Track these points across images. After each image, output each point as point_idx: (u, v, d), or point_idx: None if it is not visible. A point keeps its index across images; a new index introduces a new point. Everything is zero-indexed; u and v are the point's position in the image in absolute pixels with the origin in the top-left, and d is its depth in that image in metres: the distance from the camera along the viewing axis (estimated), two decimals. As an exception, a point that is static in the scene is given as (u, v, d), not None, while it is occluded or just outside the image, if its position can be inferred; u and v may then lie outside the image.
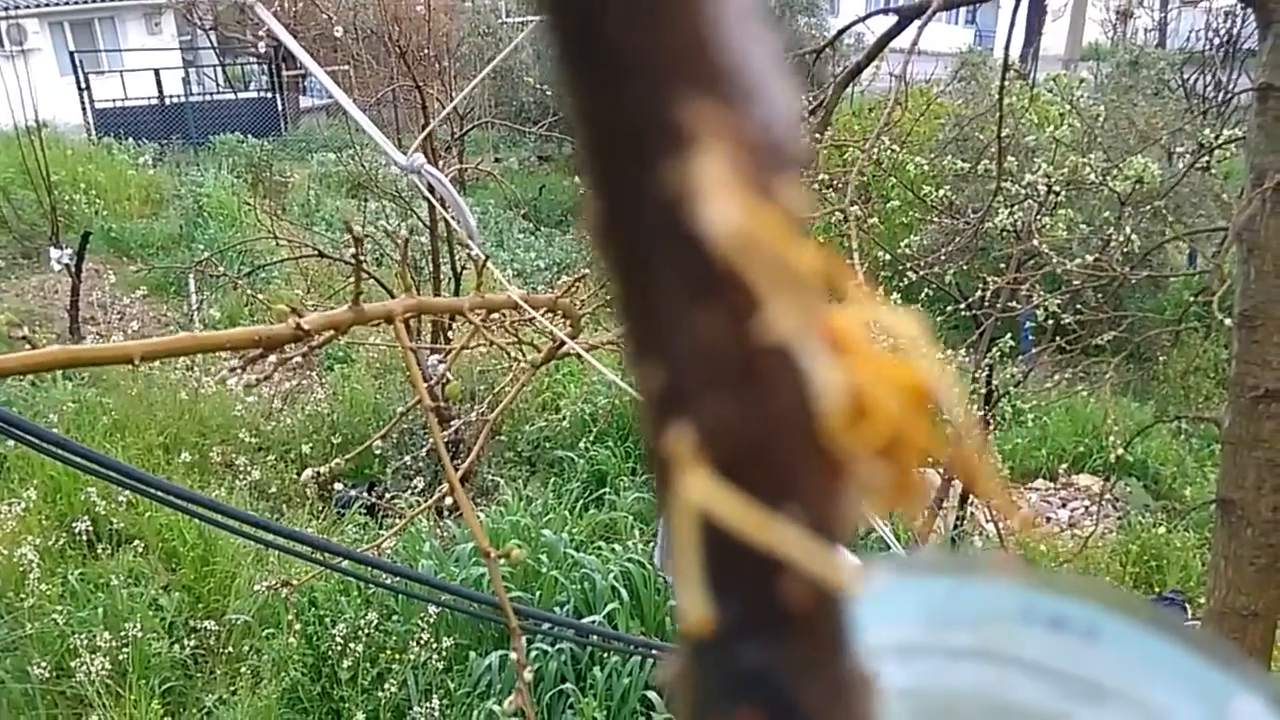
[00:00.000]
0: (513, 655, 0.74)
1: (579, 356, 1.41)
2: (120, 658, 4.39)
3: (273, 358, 0.79)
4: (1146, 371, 7.68)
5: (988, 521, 5.81)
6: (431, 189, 1.30)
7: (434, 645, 4.48)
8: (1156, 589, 5.82)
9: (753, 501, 0.17)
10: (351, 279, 0.93)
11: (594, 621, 4.58)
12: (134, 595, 4.87)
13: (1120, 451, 4.31)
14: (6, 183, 10.52)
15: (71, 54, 15.55)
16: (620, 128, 0.16)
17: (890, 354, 0.18)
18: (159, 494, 1.32)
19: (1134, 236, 4.47)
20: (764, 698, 0.18)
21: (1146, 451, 6.97)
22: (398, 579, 3.01)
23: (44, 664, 4.34)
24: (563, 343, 1.22)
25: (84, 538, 5.17)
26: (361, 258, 0.93)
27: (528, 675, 0.69)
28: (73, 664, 4.31)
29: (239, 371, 0.77)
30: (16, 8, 14.79)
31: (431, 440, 1.01)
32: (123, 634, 4.46)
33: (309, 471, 1.05)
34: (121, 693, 4.31)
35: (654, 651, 3.55)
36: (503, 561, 0.77)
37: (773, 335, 0.16)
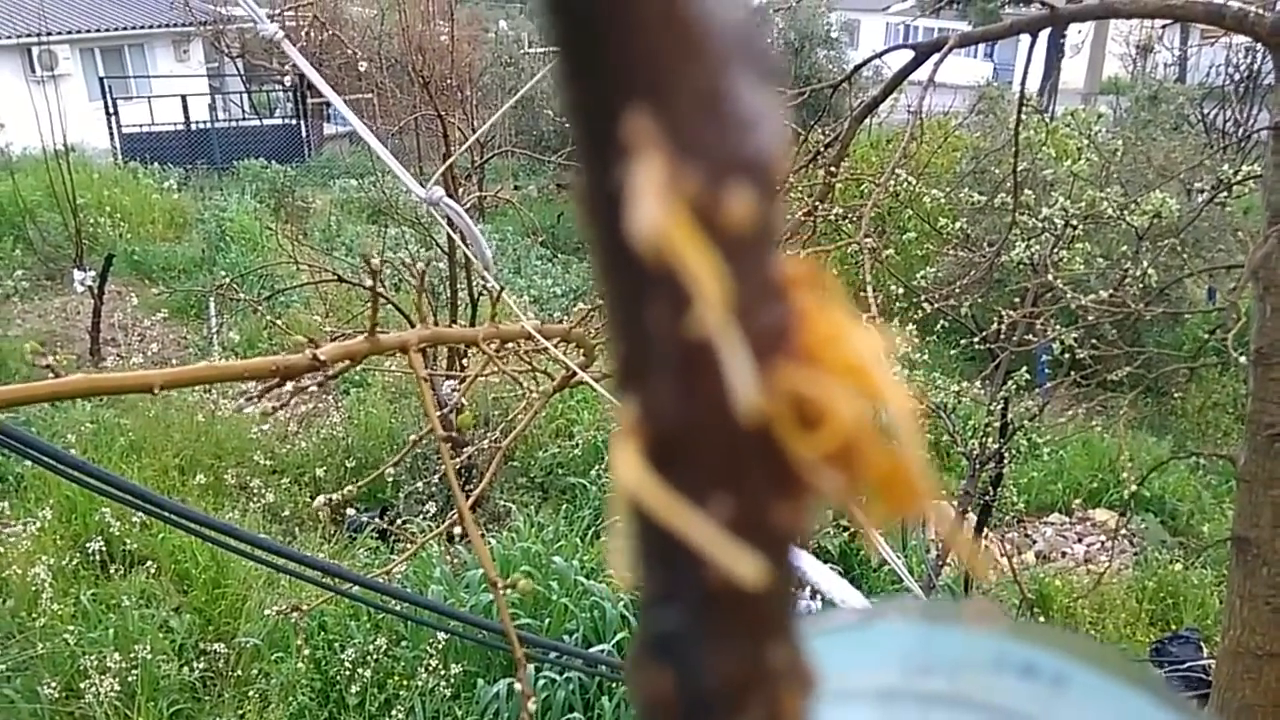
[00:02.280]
0: (517, 686, 0.74)
1: (591, 385, 1.42)
2: (129, 679, 4.39)
3: (289, 386, 0.80)
4: (1164, 406, 7.62)
5: (1002, 555, 5.76)
6: (449, 220, 1.32)
7: (442, 672, 4.47)
8: (1173, 626, 5.74)
9: (680, 484, 0.18)
10: (369, 305, 0.95)
11: (603, 650, 4.56)
12: (145, 616, 4.89)
13: (1134, 487, 4.27)
14: (34, 205, 10.67)
15: (101, 80, 15.82)
16: (588, 127, 0.18)
17: (857, 367, 0.19)
18: (172, 517, 1.33)
19: (1151, 271, 4.46)
20: (673, 659, 0.19)
21: (1164, 487, 6.90)
22: (407, 605, 3.01)
23: (54, 684, 4.35)
24: (575, 372, 1.23)
25: (97, 558, 5.19)
26: (379, 287, 0.95)
27: (532, 706, 0.69)
28: (82, 685, 4.32)
29: (255, 400, 0.78)
30: (49, 34, 15.06)
31: (444, 466, 1.02)
32: (133, 655, 4.47)
33: (321, 498, 1.06)
34: (130, 715, 4.32)
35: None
36: (509, 591, 0.77)
37: (700, 331, 0.18)
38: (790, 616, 0.20)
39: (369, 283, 0.93)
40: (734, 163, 0.17)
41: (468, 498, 1.37)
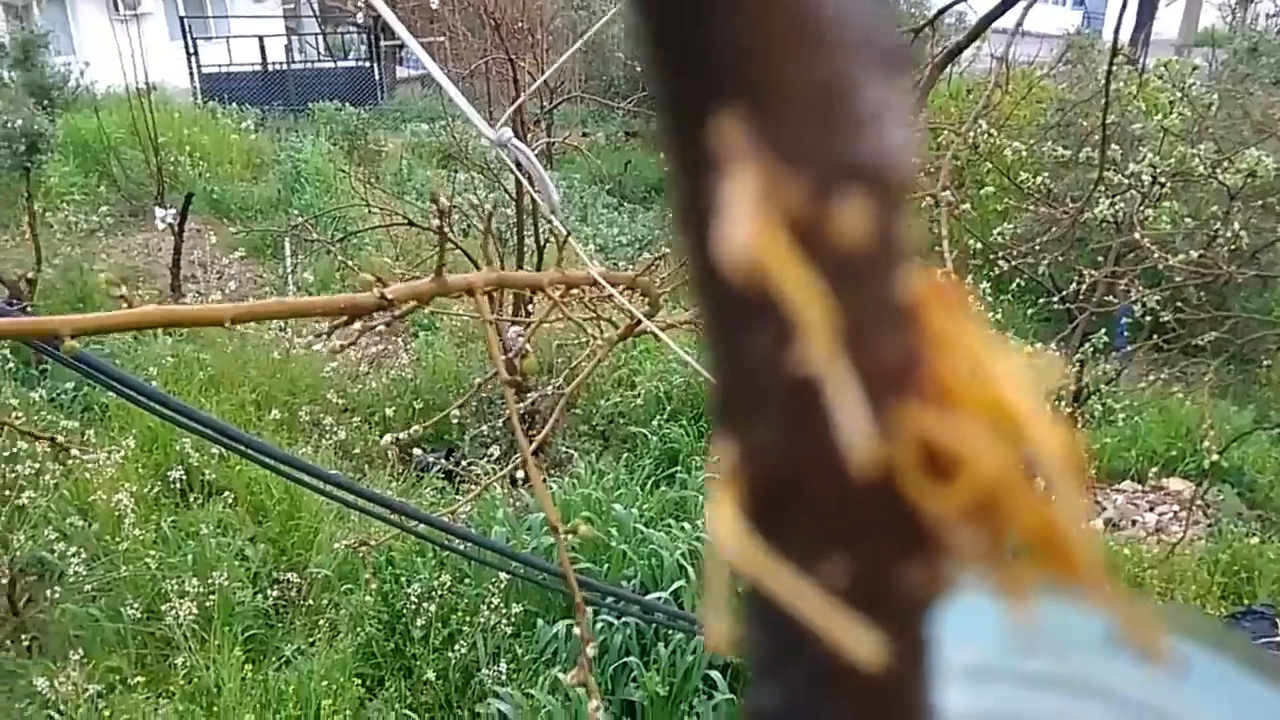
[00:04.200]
0: (576, 630, 0.75)
1: (655, 335, 1.41)
2: (206, 604, 4.58)
3: (357, 325, 0.81)
4: (1248, 374, 7.35)
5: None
6: (518, 163, 1.31)
7: (504, 610, 4.57)
8: (1245, 601, 5.59)
9: (783, 545, 0.16)
10: (437, 247, 0.95)
11: (660, 598, 4.61)
12: (222, 545, 5.07)
13: (1215, 457, 4.14)
14: (117, 143, 10.94)
15: (181, 19, 16.07)
16: (676, 129, 0.16)
17: (1001, 403, 0.16)
18: (247, 450, 1.37)
19: (1243, 233, 4.27)
20: None
21: (1243, 458, 6.68)
22: (470, 545, 3.07)
23: (136, 605, 4.56)
24: (639, 321, 1.22)
25: (177, 487, 5.39)
26: (447, 229, 0.94)
27: (591, 650, 0.70)
28: (162, 607, 4.51)
29: (325, 337, 0.79)
30: (132, -26, 15.32)
31: (508, 411, 1.03)
32: (210, 581, 4.66)
33: (389, 437, 1.07)
34: (206, 637, 4.51)
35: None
36: (570, 537, 0.78)
37: (805, 367, 0.15)
38: (922, 702, 0.17)
39: (437, 223, 0.93)
40: (846, 170, 0.15)
41: (530, 443, 1.38)
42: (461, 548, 3.01)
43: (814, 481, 0.16)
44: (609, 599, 3.06)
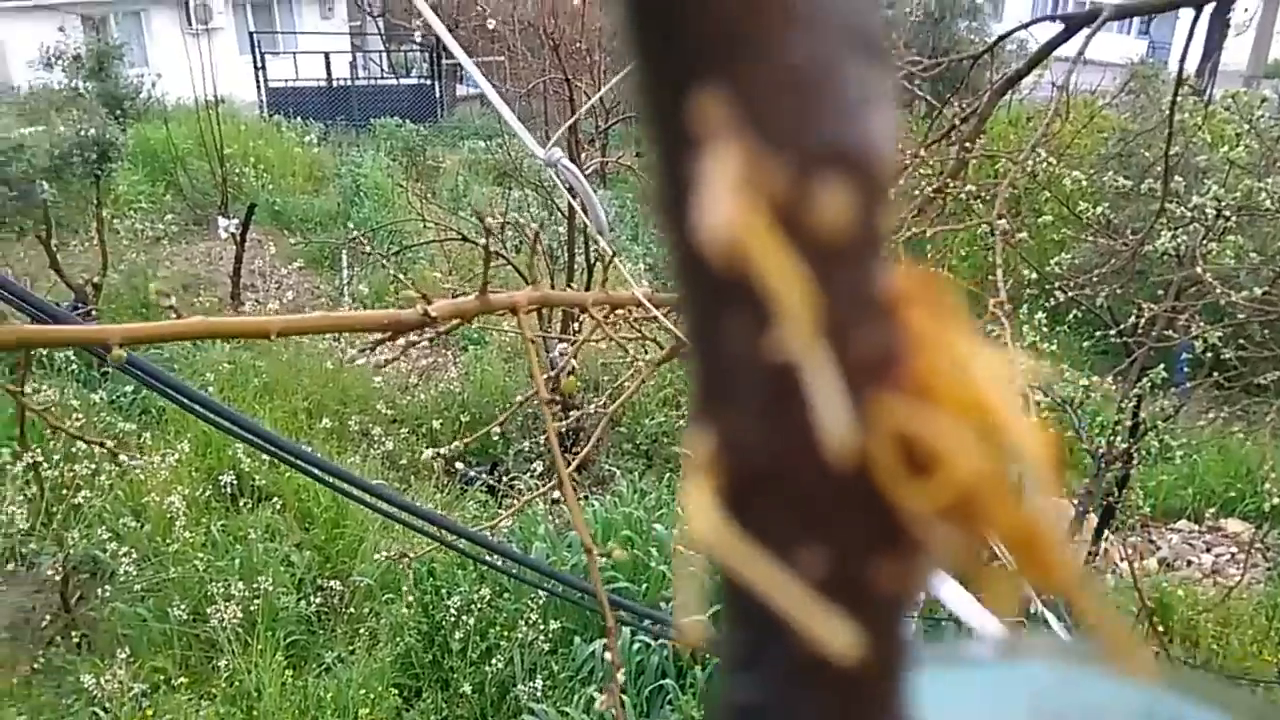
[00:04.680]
0: (607, 655, 0.74)
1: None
2: (251, 608, 4.65)
3: (402, 340, 0.82)
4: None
5: (1122, 560, 5.52)
6: (568, 184, 1.32)
7: (541, 627, 4.57)
8: (1307, 649, 5.40)
9: (760, 535, 0.16)
10: (493, 264, 0.96)
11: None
12: (269, 550, 5.15)
13: (1277, 500, 4.01)
14: (185, 153, 11.24)
15: (250, 34, 16.49)
16: (656, 108, 0.15)
17: (981, 401, 0.15)
18: (294, 459, 1.39)
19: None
20: None
21: (1308, 501, 6.47)
22: (509, 561, 3.08)
23: (183, 607, 4.64)
24: (683, 343, 1.22)
25: (228, 491, 5.49)
26: (493, 247, 0.95)
27: (621, 677, 0.69)
28: (208, 610, 4.59)
29: (369, 352, 0.80)
30: (205, -10, 15.78)
31: (547, 429, 1.03)
32: (256, 586, 4.72)
33: (430, 451, 1.08)
34: (250, 641, 4.57)
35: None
36: (604, 559, 0.77)
37: (784, 353, 0.15)
38: (898, 700, 0.17)
39: (483, 242, 0.94)
40: (829, 154, 0.14)
41: (570, 462, 1.38)
42: (501, 564, 3.02)
43: (792, 470, 0.15)
44: (645, 621, 3.04)
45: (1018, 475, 0.16)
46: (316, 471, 1.44)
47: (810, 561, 0.16)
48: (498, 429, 1.25)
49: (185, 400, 1.32)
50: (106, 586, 4.83)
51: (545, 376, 0.88)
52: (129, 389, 6.51)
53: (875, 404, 0.15)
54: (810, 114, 0.14)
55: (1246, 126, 4.46)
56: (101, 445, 1.01)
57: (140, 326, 0.63)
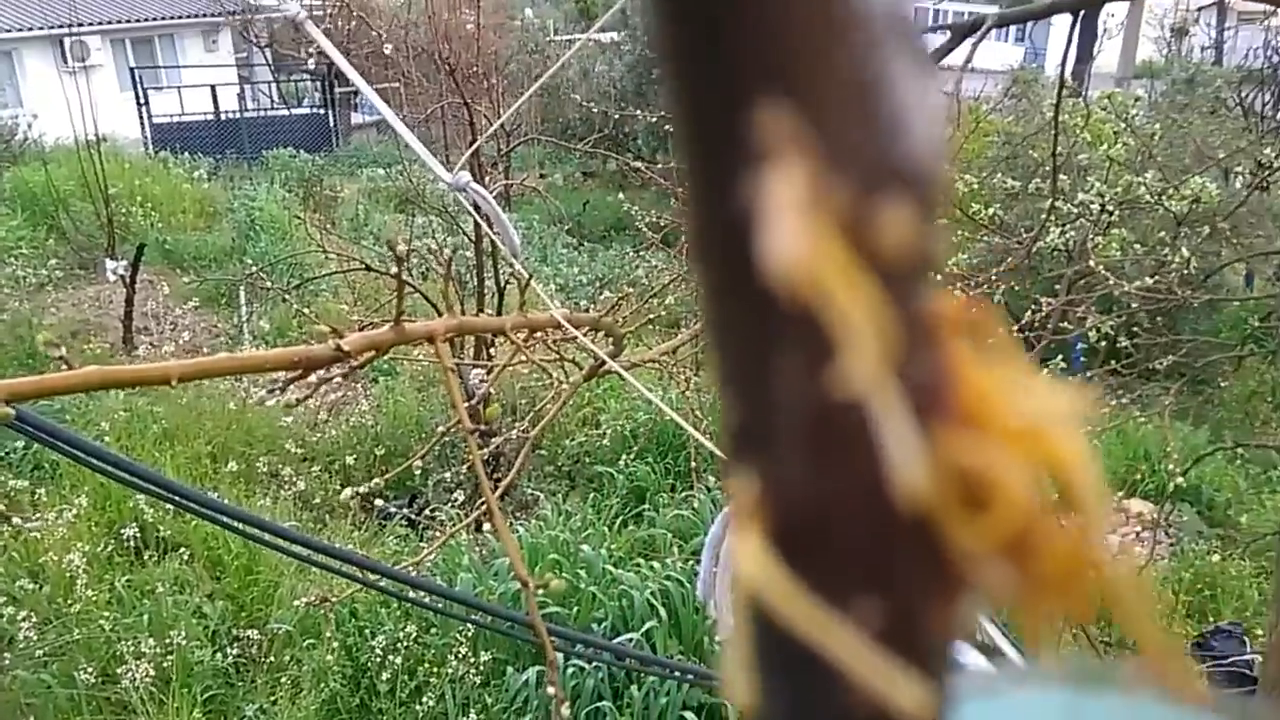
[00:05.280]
0: (550, 690, 0.72)
1: (620, 374, 1.40)
2: (164, 665, 4.44)
3: (314, 377, 0.78)
4: (1202, 395, 7.49)
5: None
6: (477, 206, 1.30)
7: (471, 660, 4.48)
8: (1211, 619, 5.65)
9: (815, 584, 0.14)
10: (396, 293, 0.93)
11: (631, 639, 4.55)
12: (179, 603, 4.93)
13: (1180, 480, 4.19)
14: (66, 195, 10.79)
15: (132, 70, 15.96)
16: (702, 128, 0.14)
17: (1036, 433, 0.15)
18: (202, 510, 1.32)
19: (1190, 257, 4.37)
20: None
21: (1200, 476, 6.78)
22: (435, 598, 3.01)
23: (90, 669, 4.41)
24: (604, 361, 1.20)
25: (132, 544, 5.25)
26: (405, 275, 0.92)
27: (566, 711, 0.67)
28: (118, 670, 4.37)
29: (279, 391, 0.76)
30: (80, 25, 15.22)
31: (471, 457, 1.00)
32: (167, 641, 4.52)
33: (348, 491, 1.04)
34: (165, 699, 4.36)
35: (690, 676, 3.51)
36: (540, 591, 0.75)
37: (848, 391, 0.14)
38: None
39: (395, 269, 0.91)
40: (892, 172, 0.13)
41: (495, 488, 1.36)
42: (427, 600, 2.95)
43: (850, 515, 0.14)
44: (578, 646, 3.00)
45: (1071, 505, 0.15)
46: (225, 519, 1.38)
47: (868, 610, 0.14)
48: (419, 463, 1.21)
49: (80, 454, 1.25)
50: (5, 655, 4.56)
51: (467, 405, 0.86)
52: (19, 444, 6.19)
53: (932, 438, 0.14)
54: (872, 128, 0.14)
55: (1123, 125, 4.68)
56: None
57: (28, 381, 0.59)
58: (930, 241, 0.14)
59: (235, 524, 1.37)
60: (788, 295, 0.13)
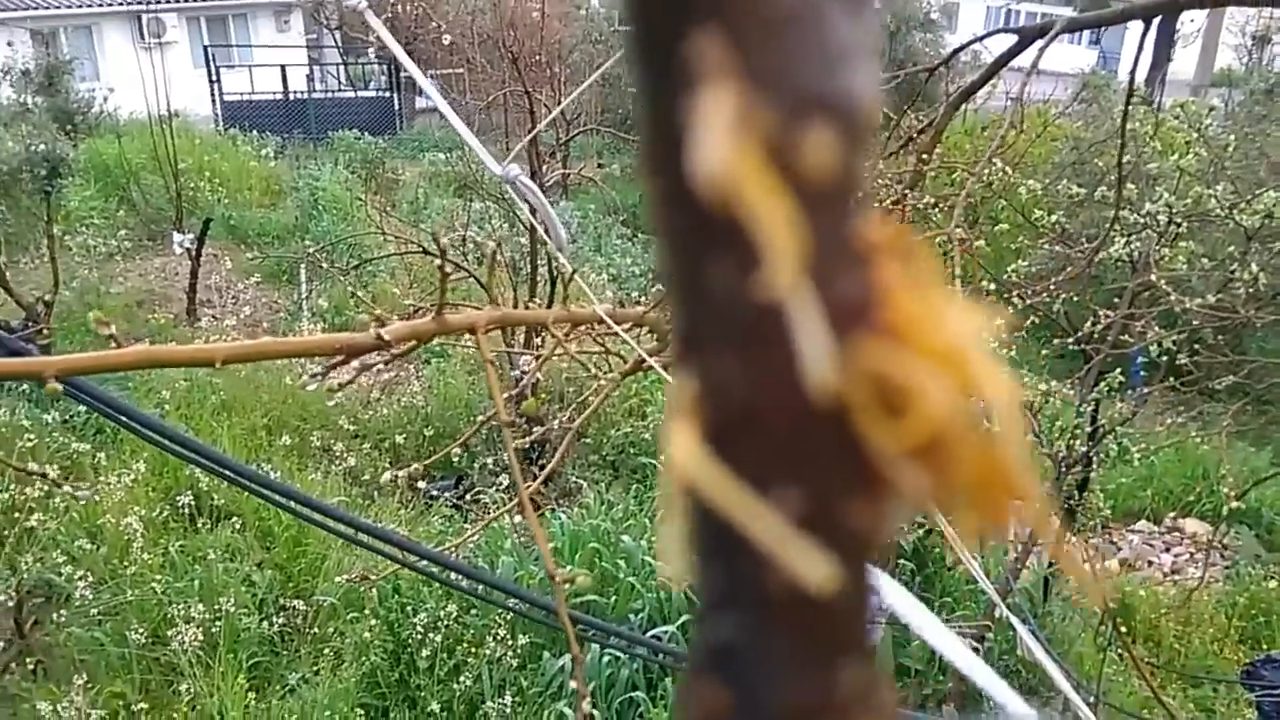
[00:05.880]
0: (572, 684, 0.73)
1: (661, 373, 1.40)
2: (212, 630, 4.56)
3: (356, 363, 0.80)
4: (1266, 415, 7.27)
5: (1084, 561, 5.58)
6: (527, 201, 1.31)
7: (509, 642, 4.53)
8: (1264, 646, 5.49)
9: (742, 473, 0.16)
10: (453, 277, 0.95)
11: (668, 632, 4.56)
12: (229, 570, 5.06)
13: (1235, 504, 4.08)
14: (138, 168, 11.07)
15: (205, 48, 16.31)
16: (648, 51, 0.15)
17: (950, 349, 0.16)
18: (252, 485, 1.36)
19: (1260, 274, 4.23)
20: (732, 677, 0.17)
21: (1260, 499, 6.59)
22: (473, 582, 3.05)
23: (141, 630, 4.54)
24: (644, 358, 1.21)
25: (186, 511, 5.39)
26: (454, 260, 0.94)
27: (587, 706, 0.68)
28: (168, 632, 4.49)
29: (320, 377, 0.78)
30: (157, 2, 15.60)
31: (509, 448, 1.02)
32: (216, 607, 4.64)
33: (388, 474, 1.06)
34: (211, 664, 4.48)
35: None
36: (568, 586, 0.76)
37: (769, 295, 0.15)
38: (865, 632, 0.17)
39: (451, 252, 0.93)
40: (817, 100, 0.15)
41: (534, 481, 1.37)
42: (465, 585, 2.99)
43: (772, 410, 0.16)
44: (612, 639, 3.02)
45: (986, 419, 0.16)
46: (273, 495, 1.41)
47: (789, 498, 0.16)
48: (459, 449, 1.23)
49: (136, 425, 1.29)
50: (62, 611, 4.72)
51: (506, 395, 0.87)
52: (83, 408, 6.38)
53: (853, 346, 0.16)
54: (800, 59, 0.15)
55: (1196, 135, 4.55)
56: (43, 477, 0.98)
57: (77, 358, 0.61)
58: (859, 170, 0.15)
59: (285, 501, 1.40)
60: (716, 204, 0.15)
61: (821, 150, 0.15)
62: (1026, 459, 0.17)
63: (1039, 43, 2.43)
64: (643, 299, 8.69)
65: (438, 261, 0.84)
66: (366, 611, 4.75)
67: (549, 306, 6.31)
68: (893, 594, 0.99)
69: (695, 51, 0.15)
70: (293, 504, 1.40)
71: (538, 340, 5.46)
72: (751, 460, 0.16)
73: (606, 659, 4.34)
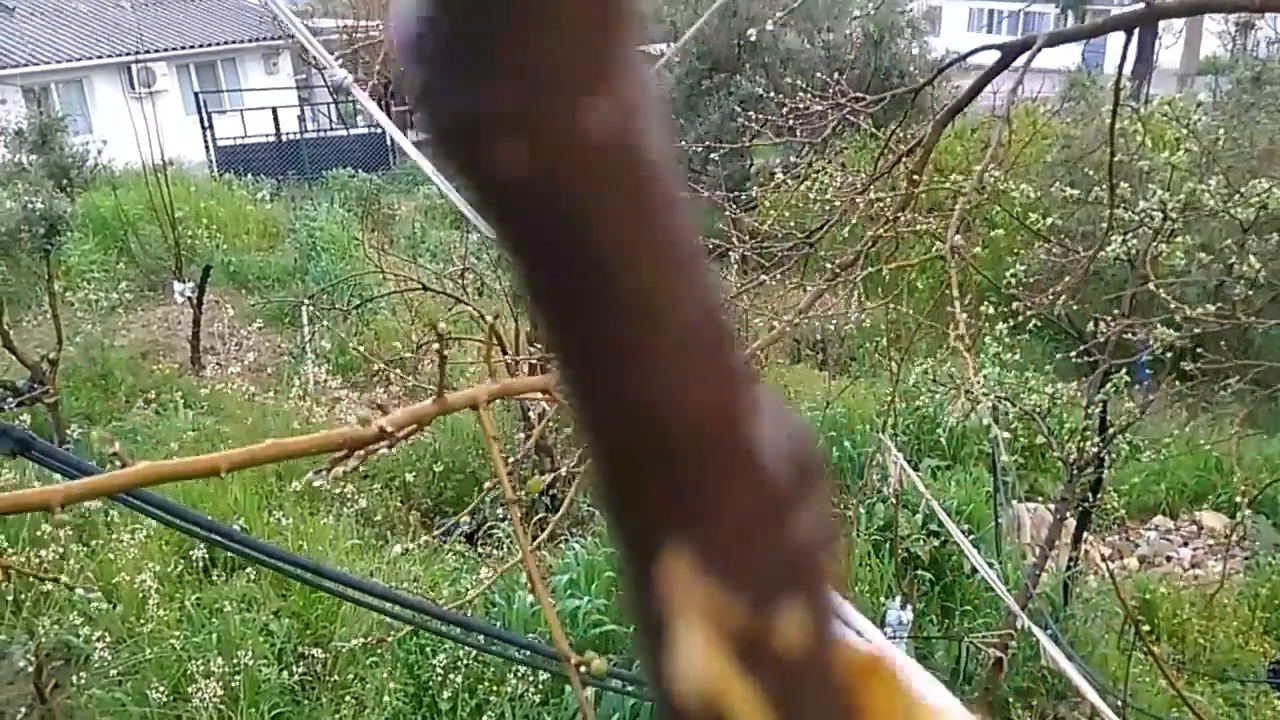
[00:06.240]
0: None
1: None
2: (232, 684, 4.55)
3: (354, 461, 0.80)
4: (1276, 403, 7.24)
5: (1103, 560, 5.56)
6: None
7: (531, 678, 4.51)
8: (1289, 637, 5.46)
9: None
10: (454, 309, 0.95)
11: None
12: (246, 621, 5.04)
13: (1248, 510, 4.06)
14: (135, 218, 11.13)
15: (196, 94, 16.43)
16: (630, 559, 0.16)
17: None
18: (259, 555, 1.36)
19: (1258, 264, 4.22)
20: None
21: (1276, 487, 6.56)
22: (488, 639, 3.03)
23: (161, 688, 4.53)
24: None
25: (200, 564, 5.38)
26: (453, 293, 0.94)
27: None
28: (189, 689, 4.48)
29: (325, 473, 0.78)
30: (146, 52, 15.71)
31: (534, 478, 1.01)
32: (235, 660, 4.62)
33: (398, 549, 1.06)
34: (233, 718, 4.46)
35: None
36: (584, 669, 0.76)
37: None
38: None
39: (450, 288, 0.93)
40: (783, 576, 0.16)
41: (549, 507, 1.36)
42: (479, 640, 2.98)
43: None
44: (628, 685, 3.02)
45: None
46: (284, 566, 1.41)
47: None
48: (480, 470, 1.22)
49: (139, 503, 1.29)
50: (82, 673, 4.71)
51: (511, 465, 0.86)
52: (92, 465, 6.39)
53: None
54: (767, 544, 0.16)
55: (1185, 131, 4.56)
56: (40, 578, 0.97)
57: (81, 484, 0.61)
58: (828, 621, 0.16)
59: (293, 570, 1.40)
60: (697, 710, 0.16)
61: (794, 627, 0.16)
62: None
63: (1023, 57, 2.44)
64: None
65: (439, 294, 0.84)
66: (386, 656, 4.73)
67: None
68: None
69: (666, 566, 0.16)
70: (307, 574, 1.40)
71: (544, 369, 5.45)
72: None
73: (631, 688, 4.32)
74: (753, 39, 9.92)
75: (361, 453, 0.78)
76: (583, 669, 0.73)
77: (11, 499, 0.60)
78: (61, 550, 4.92)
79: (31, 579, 4.68)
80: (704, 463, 0.15)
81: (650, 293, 0.15)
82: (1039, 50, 2.24)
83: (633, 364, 0.15)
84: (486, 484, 1.12)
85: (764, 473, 0.16)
